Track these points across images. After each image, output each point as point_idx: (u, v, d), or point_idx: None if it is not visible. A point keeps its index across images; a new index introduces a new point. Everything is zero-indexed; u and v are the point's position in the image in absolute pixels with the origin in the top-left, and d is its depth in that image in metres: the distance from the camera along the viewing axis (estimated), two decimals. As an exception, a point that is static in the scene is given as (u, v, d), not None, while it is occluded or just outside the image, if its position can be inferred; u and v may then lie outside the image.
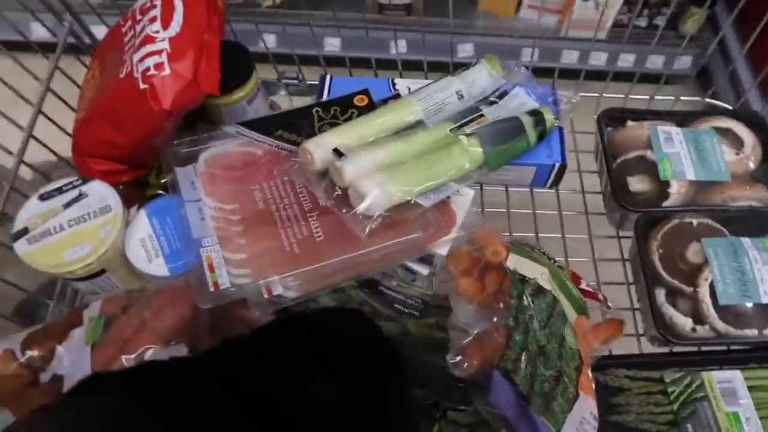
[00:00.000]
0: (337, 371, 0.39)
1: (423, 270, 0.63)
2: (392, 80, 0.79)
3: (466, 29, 1.51)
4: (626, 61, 1.55)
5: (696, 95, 1.06)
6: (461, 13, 0.92)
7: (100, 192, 0.61)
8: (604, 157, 0.74)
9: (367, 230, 0.55)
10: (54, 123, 0.71)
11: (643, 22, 1.59)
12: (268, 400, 0.33)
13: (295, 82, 0.86)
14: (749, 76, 1.42)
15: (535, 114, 0.68)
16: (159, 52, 0.55)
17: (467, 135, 0.63)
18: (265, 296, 0.55)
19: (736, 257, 0.63)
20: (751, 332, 0.61)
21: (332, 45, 1.47)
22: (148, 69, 0.56)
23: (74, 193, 0.61)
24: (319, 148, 0.60)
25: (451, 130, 0.63)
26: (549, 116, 0.69)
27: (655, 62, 1.56)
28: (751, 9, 0.77)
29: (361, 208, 0.55)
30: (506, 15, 1.58)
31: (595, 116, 0.78)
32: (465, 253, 0.57)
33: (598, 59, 1.54)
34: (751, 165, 0.72)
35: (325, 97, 0.78)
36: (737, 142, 0.73)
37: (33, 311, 0.73)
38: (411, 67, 0.92)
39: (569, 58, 1.56)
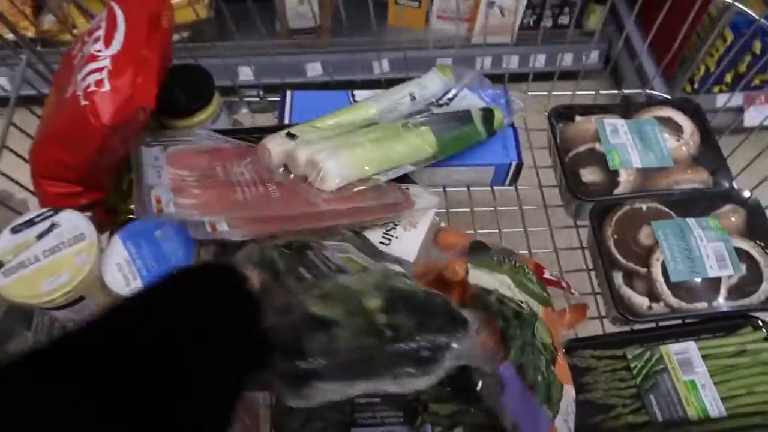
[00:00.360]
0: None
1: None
2: (352, 92, 0.82)
3: (380, 46, 1.44)
4: (539, 61, 1.59)
5: (612, 88, 1.13)
6: (372, 31, 0.93)
7: (73, 221, 0.62)
8: (557, 152, 0.78)
9: (323, 196, 0.59)
10: (16, 154, 0.72)
11: (548, 23, 1.67)
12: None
13: (257, 99, 0.88)
14: (653, 66, 1.51)
15: (484, 110, 0.72)
16: (100, 70, 0.56)
17: (419, 123, 0.67)
18: (209, 230, 0.57)
19: (684, 237, 0.68)
20: (702, 305, 0.65)
21: (245, 73, 1.39)
22: (89, 86, 0.57)
23: (46, 224, 0.61)
24: (274, 140, 0.64)
25: (403, 124, 0.67)
26: (498, 114, 0.73)
27: (566, 60, 1.61)
28: (649, 4, 0.84)
29: (318, 178, 0.59)
30: (417, 28, 1.58)
31: (546, 114, 0.82)
32: (431, 265, 0.61)
33: (513, 63, 1.58)
34: (692, 150, 0.77)
35: (287, 111, 0.80)
36: (677, 130, 0.79)
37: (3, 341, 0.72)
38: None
39: (484, 64, 1.59)
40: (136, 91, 0.56)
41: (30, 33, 1.25)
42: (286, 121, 0.79)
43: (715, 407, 0.60)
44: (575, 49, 1.62)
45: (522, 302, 0.56)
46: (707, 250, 0.67)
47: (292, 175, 0.62)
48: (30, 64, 0.78)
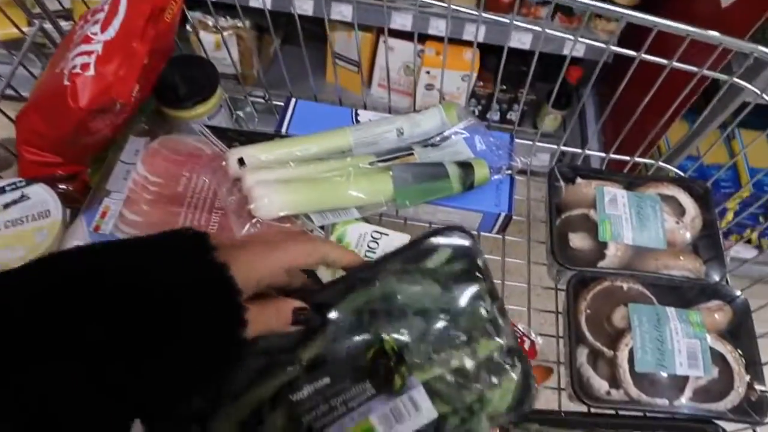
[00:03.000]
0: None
1: None
2: (356, 110, 0.81)
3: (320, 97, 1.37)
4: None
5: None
6: (308, 86, 0.84)
7: (42, 196, 0.61)
8: (550, 211, 0.75)
9: (243, 230, 0.60)
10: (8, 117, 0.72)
11: (495, 116, 1.63)
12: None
13: (261, 100, 0.87)
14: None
15: (464, 165, 0.69)
16: (89, 53, 0.56)
17: (381, 170, 0.65)
18: None
19: (659, 326, 0.65)
20: (662, 401, 0.62)
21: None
22: (75, 67, 0.57)
23: (16, 194, 0.61)
24: (235, 155, 0.64)
25: (371, 163, 0.66)
26: (482, 170, 0.70)
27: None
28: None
29: (248, 209, 0.60)
30: (354, 91, 1.55)
31: (548, 170, 0.80)
32: None
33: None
34: (689, 236, 0.73)
35: (287, 119, 0.79)
36: (679, 211, 0.75)
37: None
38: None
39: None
40: (115, 83, 0.56)
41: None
42: (284, 129, 0.78)
43: None
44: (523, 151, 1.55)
45: None
46: (681, 345, 0.64)
47: (236, 196, 0.63)
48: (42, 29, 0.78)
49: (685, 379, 0.63)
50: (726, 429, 0.64)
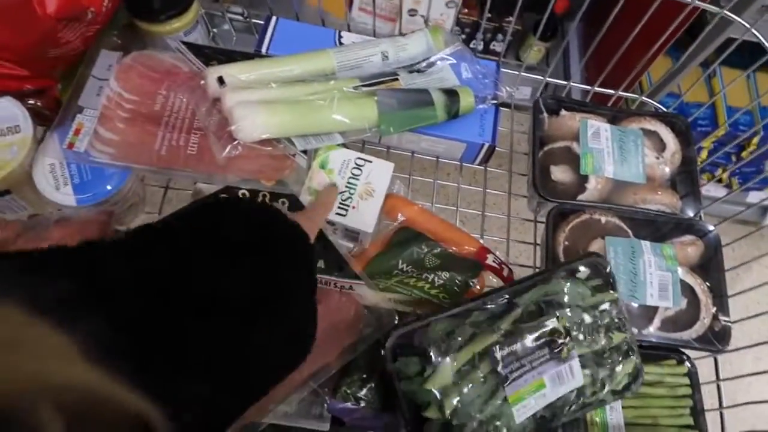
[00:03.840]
0: (247, 265, 0.37)
1: (348, 244, 0.65)
2: (339, 32, 0.78)
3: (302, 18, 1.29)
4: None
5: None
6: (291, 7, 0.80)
7: (10, 110, 0.58)
8: (533, 143, 0.75)
9: (224, 152, 0.58)
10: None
11: (479, 46, 1.59)
12: (179, 291, 0.33)
13: (240, 17, 0.83)
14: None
15: (450, 93, 0.68)
16: None
17: (366, 95, 0.64)
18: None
19: (633, 258, 0.66)
20: (633, 330, 0.64)
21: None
22: None
23: (-18, 107, 0.58)
24: (214, 74, 0.61)
25: (355, 87, 0.64)
26: (468, 98, 0.69)
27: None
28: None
29: (229, 131, 0.58)
30: (337, 15, 1.44)
31: (532, 102, 0.79)
32: None
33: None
34: (668, 171, 0.74)
35: (267, 38, 0.76)
36: (660, 146, 0.76)
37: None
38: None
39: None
40: (87, -10, 0.52)
41: None
42: (264, 49, 0.75)
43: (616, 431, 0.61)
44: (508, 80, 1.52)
45: None
46: (653, 277, 0.65)
47: (216, 117, 0.61)
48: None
49: (655, 309, 0.65)
50: (690, 356, 0.67)
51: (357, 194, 0.64)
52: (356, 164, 0.65)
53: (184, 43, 0.69)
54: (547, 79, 0.89)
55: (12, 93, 0.60)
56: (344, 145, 0.66)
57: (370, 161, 0.66)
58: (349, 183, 0.65)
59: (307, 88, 0.63)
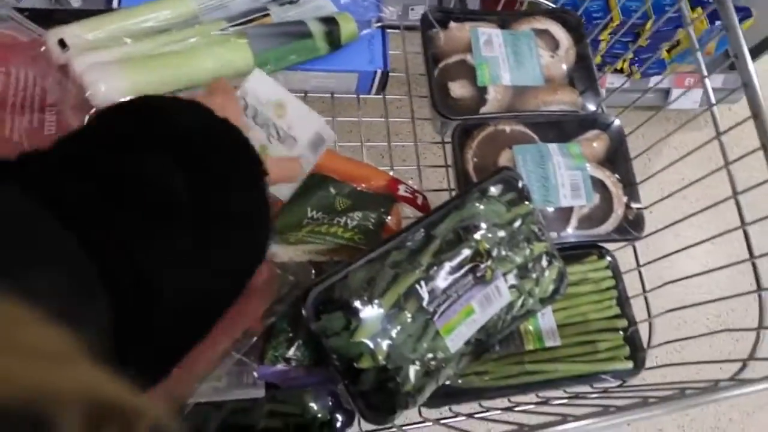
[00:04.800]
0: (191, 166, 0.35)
1: None
2: (198, -27, 0.70)
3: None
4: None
5: None
6: None
7: None
8: (426, 62, 0.72)
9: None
10: None
11: None
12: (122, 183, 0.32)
13: (83, -27, 0.73)
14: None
15: (328, 21, 0.63)
16: None
17: (236, 36, 0.58)
18: None
19: (542, 163, 0.65)
20: (552, 234, 0.64)
21: None
22: None
23: None
24: (54, 37, 0.55)
25: (222, 29, 0.59)
26: (348, 24, 0.65)
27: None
28: None
29: (84, 98, 0.52)
30: None
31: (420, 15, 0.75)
32: None
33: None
34: (564, 68, 0.73)
35: (118, -9, 0.68)
36: (553, 44, 0.74)
37: None
38: None
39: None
40: None
41: None
42: (115, 4, 0.67)
43: (551, 337, 0.61)
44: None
45: None
46: (563, 178, 0.65)
47: (69, 87, 0.54)
48: None
49: (570, 209, 0.65)
50: (609, 249, 0.68)
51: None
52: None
53: (19, 9, 0.61)
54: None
55: None
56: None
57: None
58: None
59: (167, 38, 0.57)
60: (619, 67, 1.18)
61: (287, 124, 0.59)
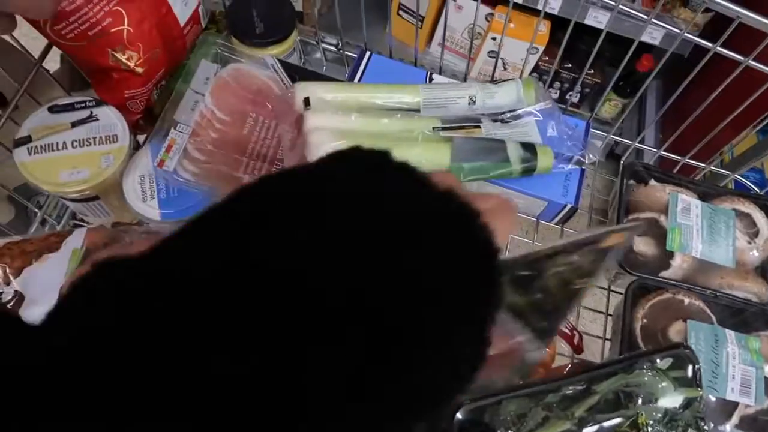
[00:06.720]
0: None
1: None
2: (431, 74, 0.77)
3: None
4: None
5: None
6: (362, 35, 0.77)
7: (111, 119, 0.60)
8: (618, 211, 0.72)
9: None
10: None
11: (555, 94, 1.57)
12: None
13: (334, 49, 0.83)
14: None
15: (528, 149, 0.66)
16: None
17: (443, 140, 0.63)
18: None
19: (716, 348, 0.63)
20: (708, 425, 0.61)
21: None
22: None
23: (85, 113, 0.60)
24: (303, 91, 0.61)
25: (434, 128, 0.63)
26: (547, 159, 0.67)
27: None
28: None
29: (303, 153, 0.57)
30: (411, 44, 1.46)
31: (621, 166, 0.76)
32: None
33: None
34: (758, 256, 0.70)
35: (360, 72, 0.76)
36: (752, 230, 0.72)
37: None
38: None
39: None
40: None
41: None
42: (356, 81, 0.75)
43: None
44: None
45: None
46: (735, 370, 0.62)
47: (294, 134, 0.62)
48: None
49: (735, 405, 0.61)
50: (766, 461, 0.63)
51: None
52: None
53: (280, 61, 0.70)
54: (615, 137, 0.86)
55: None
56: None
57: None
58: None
59: (387, 121, 0.62)
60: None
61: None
